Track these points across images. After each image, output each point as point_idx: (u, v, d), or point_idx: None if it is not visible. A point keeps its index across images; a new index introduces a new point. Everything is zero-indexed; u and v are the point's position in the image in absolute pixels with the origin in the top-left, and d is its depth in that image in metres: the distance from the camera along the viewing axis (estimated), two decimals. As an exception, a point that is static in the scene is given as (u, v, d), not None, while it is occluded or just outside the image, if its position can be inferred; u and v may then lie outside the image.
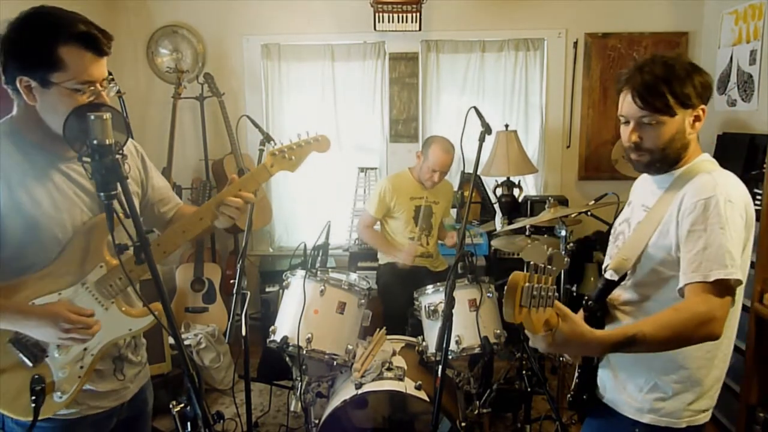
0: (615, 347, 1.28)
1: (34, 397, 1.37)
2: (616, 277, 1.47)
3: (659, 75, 1.39)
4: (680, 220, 1.38)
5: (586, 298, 1.51)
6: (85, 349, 1.46)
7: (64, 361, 1.43)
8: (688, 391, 1.46)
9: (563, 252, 2.40)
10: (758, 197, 2.54)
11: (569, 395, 1.60)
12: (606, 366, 1.57)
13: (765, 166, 2.69)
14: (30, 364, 1.41)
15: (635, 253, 1.46)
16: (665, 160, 1.46)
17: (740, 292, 1.40)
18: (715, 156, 1.54)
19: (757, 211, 2.29)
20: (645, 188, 1.59)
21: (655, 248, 1.44)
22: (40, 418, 1.38)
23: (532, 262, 1.19)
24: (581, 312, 1.53)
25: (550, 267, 1.20)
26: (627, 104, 1.45)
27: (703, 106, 1.43)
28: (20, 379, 1.39)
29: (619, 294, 1.53)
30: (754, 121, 3.46)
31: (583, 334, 1.25)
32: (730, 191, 1.37)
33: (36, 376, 1.40)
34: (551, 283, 1.19)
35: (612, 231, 1.68)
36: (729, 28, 3.69)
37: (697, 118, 1.43)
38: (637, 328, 1.29)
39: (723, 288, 1.31)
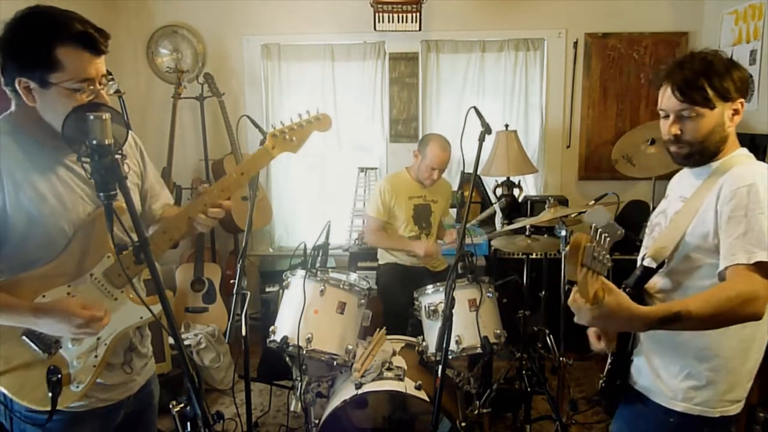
0: (660, 322, 1.29)
1: (51, 387, 1.39)
2: (654, 265, 1.50)
3: (699, 70, 1.43)
4: (719, 209, 1.41)
5: (624, 284, 1.53)
6: (99, 339, 1.47)
7: (79, 351, 1.45)
8: (722, 380, 1.48)
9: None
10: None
11: (601, 382, 1.63)
12: (640, 353, 1.59)
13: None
14: (45, 356, 1.42)
15: (673, 241, 1.49)
16: (704, 152, 1.49)
17: None
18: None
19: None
20: (682, 181, 1.62)
21: (692, 237, 1.46)
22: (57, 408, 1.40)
23: (594, 225, 1.22)
24: None
25: (608, 236, 1.22)
26: (667, 98, 1.48)
27: (741, 100, 1.47)
28: (36, 370, 1.41)
29: (655, 282, 1.55)
30: (754, 121, 3.46)
31: (629, 308, 1.26)
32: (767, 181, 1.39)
33: (52, 367, 1.41)
34: (607, 252, 1.22)
35: (648, 224, 1.70)
36: (729, 28, 3.69)
37: (735, 112, 1.47)
38: (682, 304, 1.30)
39: (765, 270, 1.33)
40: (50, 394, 1.39)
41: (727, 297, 1.30)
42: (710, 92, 1.42)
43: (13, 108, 1.42)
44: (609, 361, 1.61)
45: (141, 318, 1.53)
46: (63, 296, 1.41)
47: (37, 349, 1.41)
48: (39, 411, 1.42)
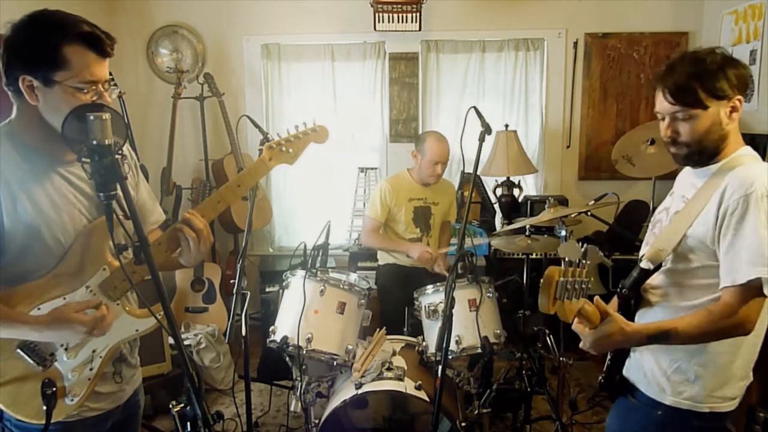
0: (651, 339, 1.41)
1: (46, 401, 1.39)
2: (651, 267, 1.50)
3: (690, 71, 1.43)
4: (720, 215, 1.40)
5: (620, 286, 1.55)
6: (94, 351, 1.47)
7: (74, 364, 1.44)
8: (712, 376, 1.48)
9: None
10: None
11: (601, 377, 1.65)
12: (636, 349, 1.60)
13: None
14: (39, 369, 1.41)
15: (671, 244, 1.49)
16: (703, 152, 1.48)
17: None
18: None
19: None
20: (686, 180, 1.61)
21: (692, 239, 1.46)
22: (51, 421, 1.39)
23: (567, 258, 1.27)
24: (615, 299, 1.58)
25: (584, 261, 1.28)
26: (659, 101, 1.49)
27: (739, 97, 1.45)
28: (31, 383, 1.40)
29: (653, 279, 1.56)
30: (754, 121, 3.46)
31: (622, 329, 1.38)
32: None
33: (47, 380, 1.40)
34: (585, 275, 1.28)
35: (651, 219, 1.70)
36: (729, 28, 3.69)
37: (733, 109, 1.46)
38: (672, 325, 1.40)
39: (757, 288, 1.35)
40: (45, 408, 1.38)
41: (717, 325, 1.37)
42: (702, 94, 1.42)
43: (13, 115, 1.41)
44: (609, 357, 1.63)
45: (137, 331, 1.52)
46: (59, 306, 1.40)
47: (31, 362, 1.40)
48: (34, 423, 1.41)
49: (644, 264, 1.51)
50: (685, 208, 1.51)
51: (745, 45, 3.51)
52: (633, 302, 1.55)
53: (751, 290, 1.35)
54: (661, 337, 1.39)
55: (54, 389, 1.40)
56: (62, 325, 1.35)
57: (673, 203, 1.61)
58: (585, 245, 1.91)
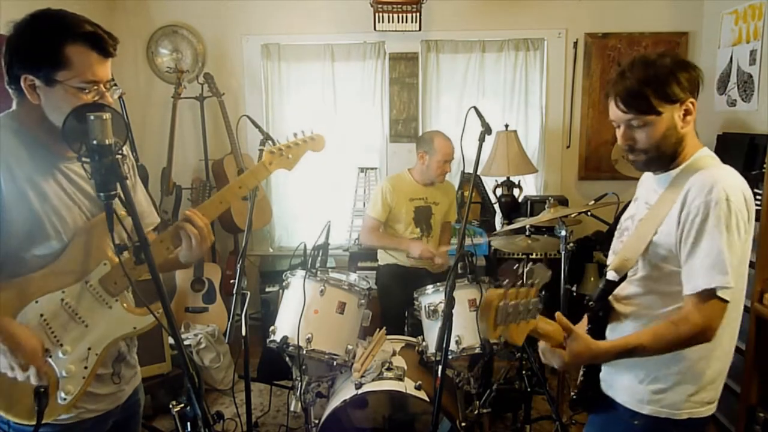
0: (618, 356, 1.42)
1: (38, 399, 1.35)
2: (617, 278, 1.49)
3: (640, 78, 1.41)
4: (681, 221, 1.40)
5: (587, 298, 1.53)
6: (90, 348, 1.45)
7: (69, 360, 1.42)
8: (689, 382, 1.47)
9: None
10: (758, 197, 2.53)
11: (573, 394, 1.62)
12: (609, 363, 1.58)
13: (765, 166, 2.69)
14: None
15: (636, 253, 1.47)
16: (662, 157, 1.47)
17: (742, 287, 1.42)
18: (715, 156, 1.54)
19: (757, 211, 2.28)
20: (648, 186, 1.60)
21: (658, 246, 1.45)
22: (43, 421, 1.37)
23: (506, 281, 1.25)
24: (585, 316, 1.55)
25: (530, 281, 1.27)
26: (612, 110, 1.48)
27: (692, 99, 1.44)
28: (23, 382, 1.37)
29: (623, 288, 1.54)
30: (754, 121, 3.46)
31: (590, 348, 1.39)
32: (729, 189, 1.37)
33: None
34: (533, 295, 1.27)
35: (618, 226, 1.69)
36: (729, 28, 3.69)
37: (687, 112, 1.44)
38: (638, 340, 1.40)
39: (720, 297, 1.34)
40: (36, 408, 1.34)
41: (679, 333, 1.37)
42: (654, 100, 1.40)
43: (15, 106, 1.41)
44: (581, 372, 1.60)
45: (134, 328, 1.50)
46: (53, 306, 1.38)
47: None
48: (25, 424, 1.38)
49: (610, 276, 1.50)
50: (648, 214, 1.50)
51: (745, 45, 3.51)
52: (602, 314, 1.53)
53: (710, 298, 1.34)
54: (628, 353, 1.39)
55: (46, 387, 1.37)
56: (8, 339, 1.30)
57: (638, 211, 1.59)
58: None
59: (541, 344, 1.44)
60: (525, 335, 1.29)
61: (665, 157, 1.47)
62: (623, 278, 1.49)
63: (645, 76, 1.41)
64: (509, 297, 1.22)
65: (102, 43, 1.35)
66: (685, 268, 1.39)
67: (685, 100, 1.42)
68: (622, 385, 1.55)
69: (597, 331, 1.51)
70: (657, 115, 1.41)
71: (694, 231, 1.37)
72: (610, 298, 1.53)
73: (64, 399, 1.41)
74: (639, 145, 1.46)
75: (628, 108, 1.43)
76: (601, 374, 1.60)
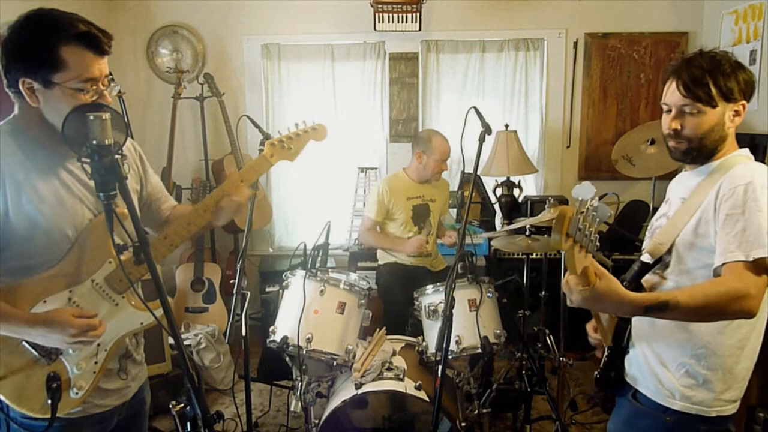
0: (648, 310, 1.34)
1: (51, 394, 1.38)
2: (651, 260, 1.51)
3: (706, 67, 1.45)
4: (718, 206, 1.42)
5: (621, 278, 1.52)
6: (99, 345, 1.47)
7: (79, 357, 1.45)
8: (719, 379, 1.49)
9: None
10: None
11: (596, 373, 1.64)
12: (636, 349, 1.60)
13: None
14: (45, 362, 1.41)
15: (670, 237, 1.50)
16: (702, 149, 1.50)
17: None
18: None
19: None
20: (681, 183, 1.62)
21: (690, 234, 1.47)
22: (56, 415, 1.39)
23: (581, 198, 1.22)
24: None
25: (595, 214, 1.23)
26: (671, 92, 1.50)
27: (744, 102, 1.48)
28: (36, 377, 1.40)
29: (649, 278, 1.56)
30: (754, 121, 3.46)
31: (618, 292, 1.31)
32: (766, 179, 1.40)
33: (51, 374, 1.40)
34: (595, 231, 1.23)
35: (649, 227, 1.70)
36: (729, 28, 3.69)
37: (737, 113, 1.48)
38: (671, 294, 1.34)
39: (761, 267, 1.35)
40: (50, 401, 1.38)
41: (717, 292, 1.33)
42: (714, 90, 1.44)
43: (16, 111, 1.42)
44: (605, 353, 1.62)
45: (141, 324, 1.53)
46: (61, 305, 1.40)
47: (37, 355, 1.40)
48: (36, 418, 1.40)
49: (644, 257, 1.52)
50: (684, 205, 1.52)
51: (745, 45, 3.51)
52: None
53: (756, 269, 1.34)
54: (659, 308, 1.33)
55: (59, 382, 1.40)
56: (54, 325, 1.35)
57: (671, 208, 1.61)
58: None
59: (568, 276, 1.33)
60: (582, 268, 1.24)
61: (705, 150, 1.50)
62: (657, 261, 1.51)
63: (711, 67, 1.45)
64: (580, 215, 1.20)
65: (96, 42, 1.35)
66: (721, 244, 1.39)
67: (739, 101, 1.47)
68: (651, 377, 1.56)
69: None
70: (712, 107, 1.45)
71: (731, 211, 1.38)
72: (642, 281, 1.55)
73: (77, 393, 1.44)
74: (685, 131, 1.49)
75: (687, 93, 1.45)
76: (627, 362, 1.61)
